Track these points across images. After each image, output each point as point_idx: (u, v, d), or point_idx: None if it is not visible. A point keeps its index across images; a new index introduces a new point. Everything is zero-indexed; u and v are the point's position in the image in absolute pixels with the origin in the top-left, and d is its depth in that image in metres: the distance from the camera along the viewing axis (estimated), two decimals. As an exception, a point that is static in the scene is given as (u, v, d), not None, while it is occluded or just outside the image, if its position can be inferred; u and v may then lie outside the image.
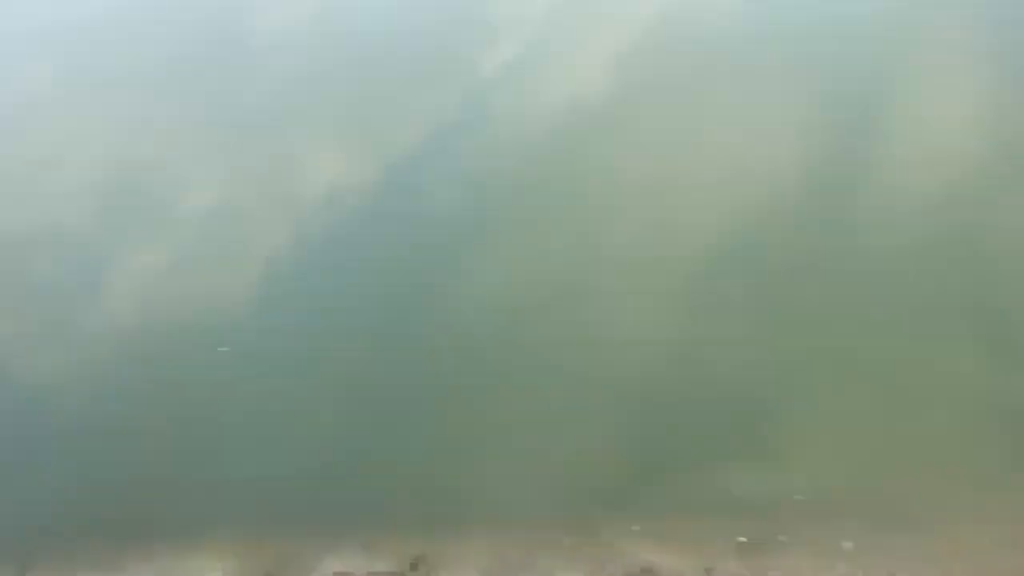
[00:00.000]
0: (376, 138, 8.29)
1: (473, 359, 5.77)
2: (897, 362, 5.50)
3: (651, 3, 9.43)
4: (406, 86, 7.84)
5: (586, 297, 6.33)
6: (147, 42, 7.49)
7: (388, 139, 8.07)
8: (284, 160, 7.89)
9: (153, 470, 5.51)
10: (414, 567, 4.64)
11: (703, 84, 8.78)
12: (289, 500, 5.35)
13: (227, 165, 7.51)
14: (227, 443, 5.84)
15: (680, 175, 7.72)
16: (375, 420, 5.79)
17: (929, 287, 5.88)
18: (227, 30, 7.61)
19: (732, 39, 9.18)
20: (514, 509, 5.12)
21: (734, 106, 8.86)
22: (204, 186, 7.37)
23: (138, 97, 7.57)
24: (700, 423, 5.36)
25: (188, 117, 7.10)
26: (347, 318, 6.92)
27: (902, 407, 5.24)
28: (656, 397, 5.54)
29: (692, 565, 4.34)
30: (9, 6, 9.30)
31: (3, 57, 8.85)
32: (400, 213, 7.63)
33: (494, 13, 8.87)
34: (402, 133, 7.96)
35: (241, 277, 6.39)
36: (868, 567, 4.12)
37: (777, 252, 6.52)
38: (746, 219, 6.90)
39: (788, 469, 4.91)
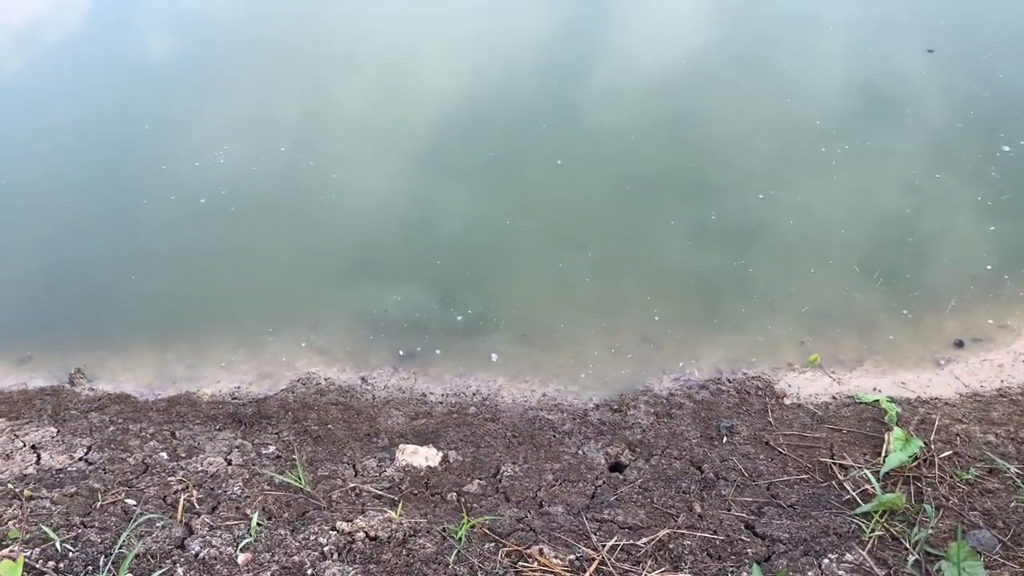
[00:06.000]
0: None
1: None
2: (608, 231, 5.79)
3: None
4: None
5: (317, 155, 6.44)
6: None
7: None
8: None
9: None
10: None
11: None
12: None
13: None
14: None
15: (418, 41, 7.90)
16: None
17: (646, 166, 6.30)
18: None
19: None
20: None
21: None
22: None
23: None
24: (423, 280, 5.48)
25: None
26: None
27: (604, 269, 5.50)
28: (383, 255, 5.71)
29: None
30: None
31: None
32: None
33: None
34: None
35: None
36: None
37: (508, 123, 6.76)
38: (480, 90, 7.13)
39: (481, 313, 5.26)
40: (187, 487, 3.65)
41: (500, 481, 3.84)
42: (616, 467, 4.03)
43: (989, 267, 5.31)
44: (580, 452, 4.11)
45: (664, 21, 8.08)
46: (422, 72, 7.44)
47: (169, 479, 3.72)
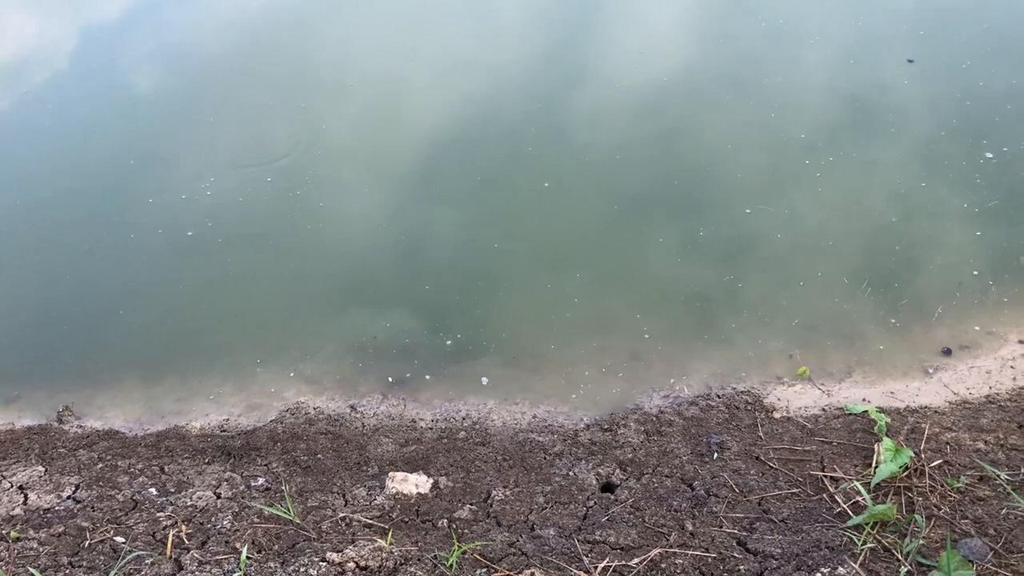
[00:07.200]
0: None
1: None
2: (596, 251, 5.82)
3: None
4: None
5: (303, 184, 6.48)
6: None
7: None
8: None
9: None
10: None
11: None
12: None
13: None
14: None
15: (401, 69, 7.98)
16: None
17: (632, 185, 6.32)
18: None
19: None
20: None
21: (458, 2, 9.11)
22: None
23: None
24: (412, 306, 5.49)
25: None
26: None
27: (593, 289, 5.51)
28: (371, 282, 5.71)
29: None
30: None
31: None
32: None
33: None
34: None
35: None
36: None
37: (493, 148, 6.78)
38: (463, 115, 7.20)
39: (471, 337, 5.29)
40: (176, 522, 3.63)
41: (491, 505, 3.83)
42: (607, 487, 4.01)
43: (975, 273, 5.32)
44: (571, 473, 4.10)
45: (645, 41, 8.12)
46: (405, 100, 7.47)
47: (158, 515, 3.70)
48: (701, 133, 6.80)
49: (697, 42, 8.03)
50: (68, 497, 3.89)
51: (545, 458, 4.26)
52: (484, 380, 4.95)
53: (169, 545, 3.44)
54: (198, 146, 6.95)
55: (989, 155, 6.18)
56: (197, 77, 8.06)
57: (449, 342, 5.17)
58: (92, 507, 3.78)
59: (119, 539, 3.50)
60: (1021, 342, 4.93)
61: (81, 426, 4.76)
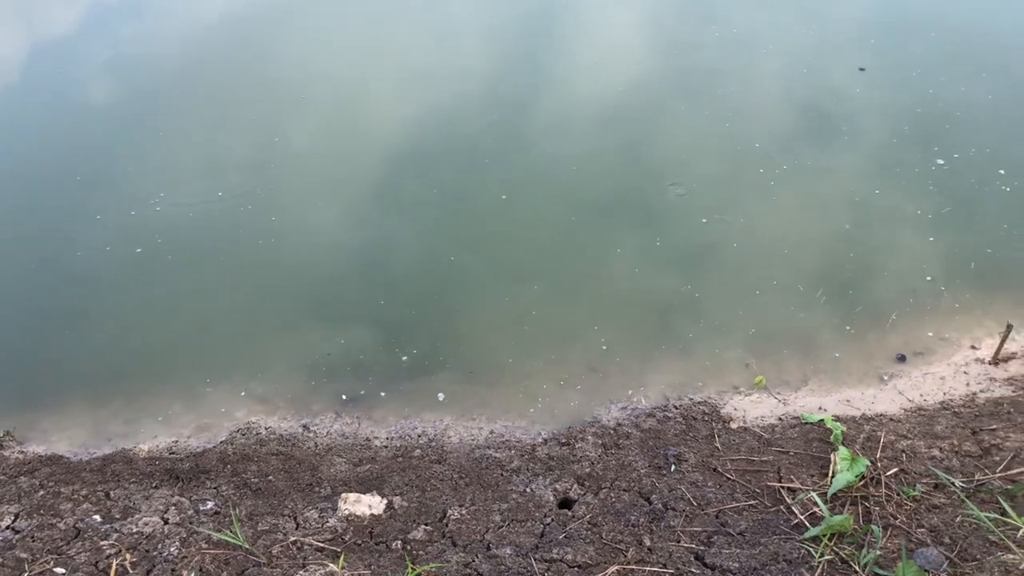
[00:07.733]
0: None
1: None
2: (554, 262, 5.78)
3: None
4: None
5: (255, 199, 6.43)
6: None
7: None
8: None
9: None
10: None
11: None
12: None
13: None
14: None
15: (359, 78, 8.03)
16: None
17: (589, 196, 6.31)
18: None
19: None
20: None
21: (420, 10, 9.27)
22: None
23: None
24: (367, 321, 5.40)
25: None
26: None
27: (550, 301, 5.48)
28: (325, 298, 5.64)
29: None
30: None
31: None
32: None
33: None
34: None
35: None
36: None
37: (449, 160, 6.78)
38: (418, 128, 7.19)
39: (427, 352, 5.21)
40: (120, 551, 3.51)
41: (447, 525, 3.76)
42: (565, 503, 3.96)
43: (929, 279, 5.36)
44: (528, 490, 4.04)
45: (601, 51, 8.12)
46: (361, 112, 7.39)
47: (101, 543, 3.59)
48: (657, 144, 6.81)
49: (652, 53, 8.05)
50: (7, 527, 3.75)
51: (502, 475, 4.20)
52: (440, 396, 4.88)
53: (112, 574, 3.33)
54: (147, 161, 6.80)
55: (940, 162, 6.24)
56: (147, 91, 7.91)
57: (405, 358, 5.10)
58: (32, 537, 3.65)
59: (59, 570, 3.38)
60: (974, 347, 4.97)
61: (23, 451, 4.60)
